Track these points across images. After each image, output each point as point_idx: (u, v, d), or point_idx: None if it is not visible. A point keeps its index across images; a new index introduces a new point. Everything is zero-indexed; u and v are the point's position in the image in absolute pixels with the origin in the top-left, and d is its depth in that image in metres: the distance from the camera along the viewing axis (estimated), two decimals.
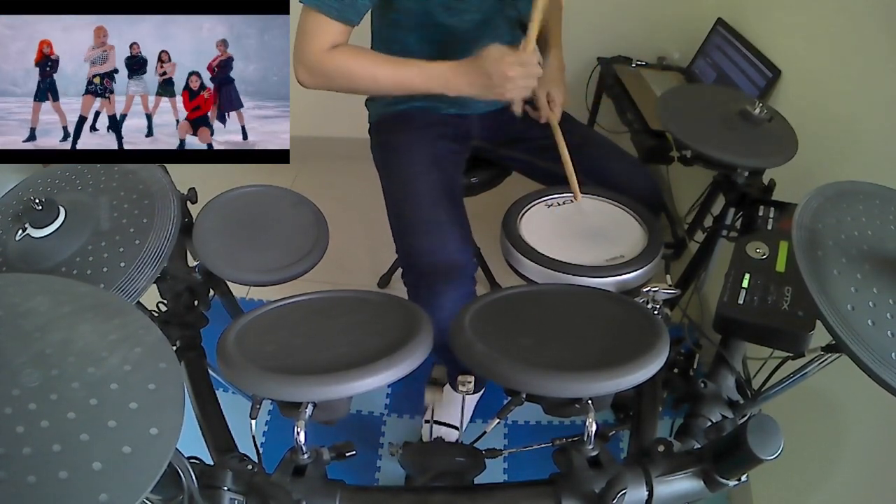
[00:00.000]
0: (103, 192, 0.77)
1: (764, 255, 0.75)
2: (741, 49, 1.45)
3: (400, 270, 1.08)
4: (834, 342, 0.55)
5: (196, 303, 0.88)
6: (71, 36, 0.74)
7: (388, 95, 1.15)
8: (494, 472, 1.30)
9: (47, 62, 0.75)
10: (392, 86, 1.00)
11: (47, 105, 0.76)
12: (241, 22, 0.77)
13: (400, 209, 1.06)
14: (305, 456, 0.57)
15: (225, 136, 0.80)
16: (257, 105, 0.79)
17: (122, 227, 0.72)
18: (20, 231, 0.69)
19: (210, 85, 0.79)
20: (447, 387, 1.37)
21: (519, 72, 0.93)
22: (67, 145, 0.78)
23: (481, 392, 1.40)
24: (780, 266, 0.74)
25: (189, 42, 0.77)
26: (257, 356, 0.57)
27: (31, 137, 0.76)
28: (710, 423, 0.67)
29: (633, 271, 0.83)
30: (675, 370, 0.83)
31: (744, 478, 0.56)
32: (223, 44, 0.76)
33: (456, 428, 1.31)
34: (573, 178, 0.98)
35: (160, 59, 0.77)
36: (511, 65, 0.92)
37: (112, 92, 0.77)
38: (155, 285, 0.76)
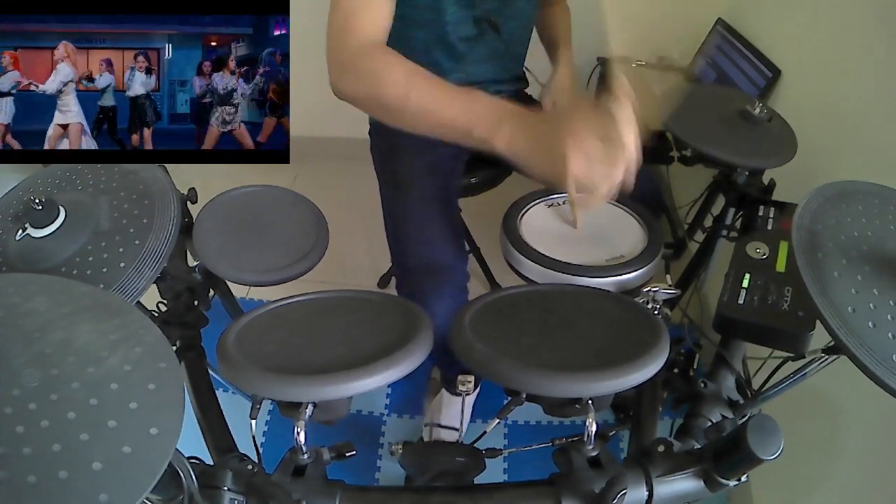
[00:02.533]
0: (103, 192, 0.77)
1: (764, 255, 0.75)
2: (741, 49, 1.44)
3: None
4: (834, 343, 0.55)
5: (196, 303, 0.88)
6: None
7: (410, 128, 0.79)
8: (494, 472, 1.31)
9: None
10: (420, 112, 0.74)
11: None
12: None
13: (394, 216, 1.06)
14: (305, 456, 0.57)
15: None
16: None
17: (122, 227, 0.72)
18: (20, 231, 0.69)
19: None
20: (444, 391, 1.38)
21: (598, 173, 0.65)
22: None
23: (476, 392, 1.40)
24: (780, 266, 0.74)
25: None
26: (257, 356, 0.57)
27: None
28: (710, 423, 0.67)
29: (633, 271, 0.83)
30: (675, 370, 0.83)
31: (744, 478, 0.56)
32: None
33: (456, 430, 1.31)
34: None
35: None
36: (595, 161, 0.65)
37: None
38: (155, 285, 0.76)
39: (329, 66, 0.80)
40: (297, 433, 0.56)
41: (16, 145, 0.65)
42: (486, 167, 1.30)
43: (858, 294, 0.56)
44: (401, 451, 0.79)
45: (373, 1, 0.77)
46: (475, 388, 1.39)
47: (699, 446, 0.64)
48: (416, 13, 1.04)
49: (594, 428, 0.57)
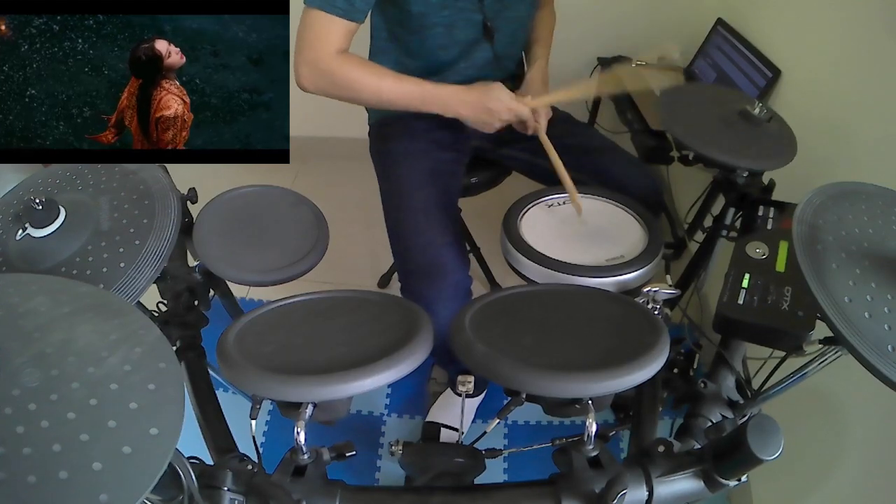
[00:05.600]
0: (103, 192, 0.77)
1: (764, 255, 0.75)
2: (741, 49, 1.45)
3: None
4: (830, 335, 0.55)
5: (196, 303, 0.88)
6: None
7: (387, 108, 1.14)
8: (494, 472, 1.30)
9: None
10: (393, 100, 1.02)
11: None
12: None
13: (395, 220, 1.06)
14: (305, 456, 0.57)
15: None
16: None
17: (122, 227, 0.72)
18: (20, 231, 0.69)
19: None
20: (448, 390, 1.38)
21: (514, 121, 1.03)
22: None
23: (482, 396, 1.40)
24: (780, 266, 0.74)
25: None
26: (257, 356, 0.57)
27: None
28: (710, 423, 0.67)
29: (633, 271, 0.83)
30: (675, 370, 0.83)
31: (744, 478, 0.56)
32: None
33: (456, 430, 1.31)
34: (570, 184, 0.96)
35: None
36: (510, 113, 1.01)
37: None
38: (155, 285, 0.76)
39: (299, 71, 0.97)
40: (297, 433, 0.56)
41: None
42: (486, 167, 1.30)
43: (856, 286, 0.57)
44: (401, 452, 0.79)
45: (336, 21, 0.94)
46: (480, 392, 1.39)
47: (699, 446, 0.64)
48: (405, 18, 1.06)
49: (594, 428, 0.57)
